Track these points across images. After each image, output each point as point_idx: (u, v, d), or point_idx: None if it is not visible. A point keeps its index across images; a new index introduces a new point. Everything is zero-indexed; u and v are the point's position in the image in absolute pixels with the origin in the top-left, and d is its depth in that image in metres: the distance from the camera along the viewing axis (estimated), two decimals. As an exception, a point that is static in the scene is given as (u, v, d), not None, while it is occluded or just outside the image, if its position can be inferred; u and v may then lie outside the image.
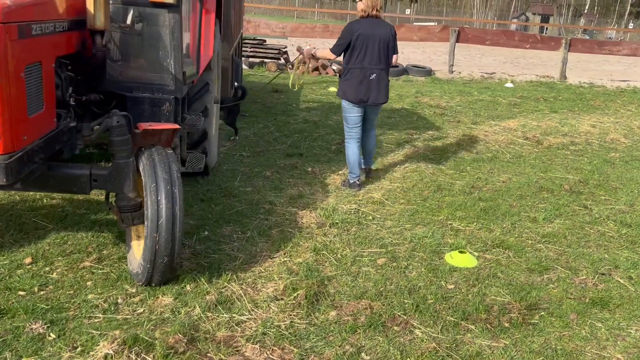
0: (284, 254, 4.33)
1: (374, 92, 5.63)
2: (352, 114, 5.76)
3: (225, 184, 5.79)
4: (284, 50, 14.40)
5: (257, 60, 14.38)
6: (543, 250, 4.72)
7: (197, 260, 4.12)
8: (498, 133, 8.93)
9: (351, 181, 5.94)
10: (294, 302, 3.64)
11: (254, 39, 14.26)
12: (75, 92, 4.06)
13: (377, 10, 5.58)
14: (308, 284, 3.81)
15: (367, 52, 5.52)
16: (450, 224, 5.13)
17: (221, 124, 7.21)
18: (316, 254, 4.35)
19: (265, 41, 14.50)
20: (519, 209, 5.62)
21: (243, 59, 13.87)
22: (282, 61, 14.47)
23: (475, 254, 4.54)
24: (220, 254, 4.28)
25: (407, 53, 20.45)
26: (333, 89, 12.04)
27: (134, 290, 3.65)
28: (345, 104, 5.75)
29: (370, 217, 5.19)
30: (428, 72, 15.27)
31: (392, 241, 4.70)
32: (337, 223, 4.94)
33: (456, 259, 4.41)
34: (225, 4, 6.56)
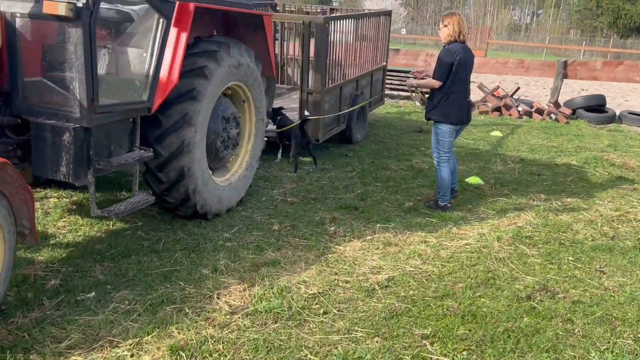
0: None
1: (469, 113, 6.01)
2: (450, 138, 5.95)
3: (207, 233, 4.91)
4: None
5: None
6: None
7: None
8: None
9: (442, 204, 6.01)
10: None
11: (427, 75, 12.95)
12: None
13: (464, 35, 5.74)
14: None
15: (466, 76, 5.78)
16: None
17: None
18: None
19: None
20: None
21: (414, 95, 12.72)
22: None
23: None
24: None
25: (621, 97, 16.79)
26: (496, 134, 10.21)
27: None
28: (445, 128, 5.87)
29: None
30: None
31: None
32: None
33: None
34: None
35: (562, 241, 5.32)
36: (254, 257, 4.52)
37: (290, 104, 8.17)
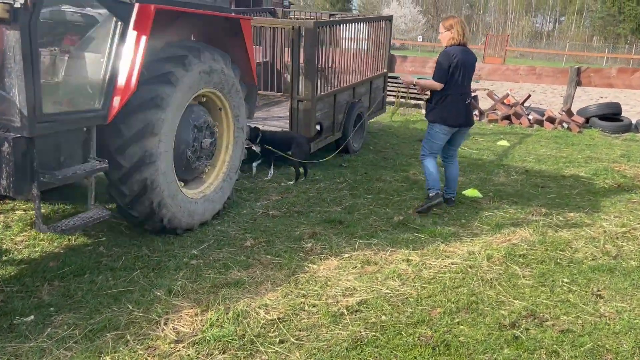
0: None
1: (469, 116, 5.94)
2: (442, 140, 5.91)
3: (173, 249, 4.61)
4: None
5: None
6: None
7: None
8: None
9: (432, 194, 5.91)
10: None
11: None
12: None
13: (466, 38, 5.71)
14: None
15: (464, 78, 5.73)
16: None
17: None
18: None
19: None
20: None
21: (422, 103, 12.34)
22: (469, 107, 12.47)
23: None
24: None
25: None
26: (503, 143, 9.79)
27: None
28: (438, 129, 5.83)
29: None
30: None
31: None
32: None
33: None
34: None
35: (558, 260, 4.91)
36: (217, 276, 4.20)
37: (287, 112, 7.85)
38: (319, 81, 7.16)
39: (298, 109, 7.09)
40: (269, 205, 5.95)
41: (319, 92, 7.26)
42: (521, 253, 5.01)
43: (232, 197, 5.73)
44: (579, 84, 11.99)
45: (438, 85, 5.71)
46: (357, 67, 8.39)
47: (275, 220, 5.53)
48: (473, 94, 12.31)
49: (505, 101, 12.15)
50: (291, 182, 6.70)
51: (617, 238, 5.51)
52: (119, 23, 4.03)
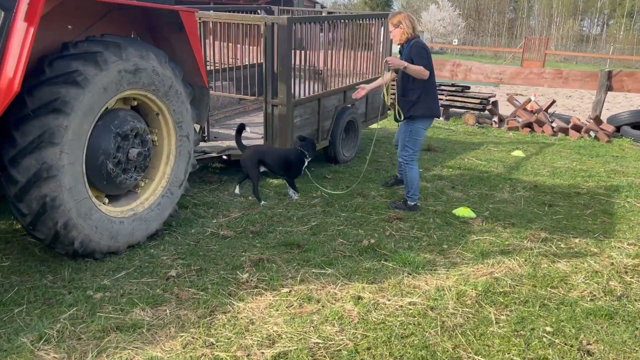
0: None
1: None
2: (424, 134, 5.84)
3: (81, 278, 3.95)
4: (489, 99, 11.48)
5: (463, 111, 11.74)
6: None
7: None
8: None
9: (412, 204, 5.83)
10: None
11: (452, 85, 11.67)
12: None
13: (416, 32, 5.62)
14: None
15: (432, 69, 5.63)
16: None
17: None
18: None
19: (468, 88, 11.77)
20: None
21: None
22: (487, 113, 11.55)
23: None
24: None
25: None
26: (518, 154, 8.86)
27: None
28: (422, 124, 5.71)
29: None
30: None
31: None
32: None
33: None
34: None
35: (546, 301, 4.05)
36: (113, 316, 3.50)
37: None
38: (311, 84, 6.42)
39: (273, 114, 6.36)
40: (224, 224, 5.24)
41: (299, 95, 6.53)
42: (502, 290, 4.17)
43: (177, 214, 5.04)
44: (609, 88, 10.93)
45: (426, 74, 5.50)
46: (348, 69, 7.62)
47: (223, 243, 4.82)
48: (493, 99, 11.41)
49: (527, 107, 11.16)
50: (296, 197, 6.04)
51: (626, 272, 4.60)
52: (1, 13, 3.38)
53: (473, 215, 5.82)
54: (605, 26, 66.51)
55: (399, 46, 5.83)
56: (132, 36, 4.80)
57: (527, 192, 6.79)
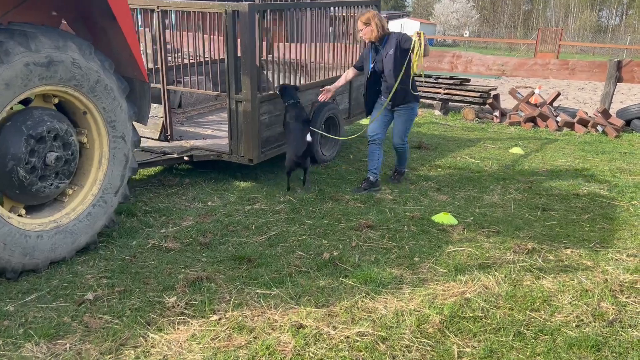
0: None
1: None
2: None
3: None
4: (490, 93, 10.81)
5: (463, 105, 11.08)
6: None
7: None
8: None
9: (405, 169, 6.37)
10: None
11: (450, 78, 11.01)
12: None
13: (385, 29, 5.75)
14: None
15: None
16: None
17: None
18: None
19: (468, 81, 11.11)
20: None
21: (436, 102, 10.85)
22: (488, 107, 10.89)
23: None
24: None
25: None
26: (516, 151, 8.21)
27: None
28: (417, 110, 6.05)
29: None
30: None
31: None
32: None
33: None
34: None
35: (523, 329, 3.45)
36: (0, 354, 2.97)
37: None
38: (294, 77, 5.85)
39: (237, 111, 5.80)
40: (171, 234, 4.70)
41: (264, 90, 5.96)
42: (472, 315, 3.57)
43: (114, 225, 4.50)
44: (619, 79, 10.20)
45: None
46: (327, 62, 7.03)
47: (164, 257, 4.28)
48: (494, 93, 10.75)
49: (531, 100, 10.47)
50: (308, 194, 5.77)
51: (622, 291, 3.98)
52: None
53: (454, 221, 5.22)
54: (624, 16, 64.98)
55: (371, 44, 5.84)
56: (60, 25, 4.26)
57: (520, 194, 6.16)
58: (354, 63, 7.54)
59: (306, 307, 3.59)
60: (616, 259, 4.52)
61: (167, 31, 6.29)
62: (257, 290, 3.82)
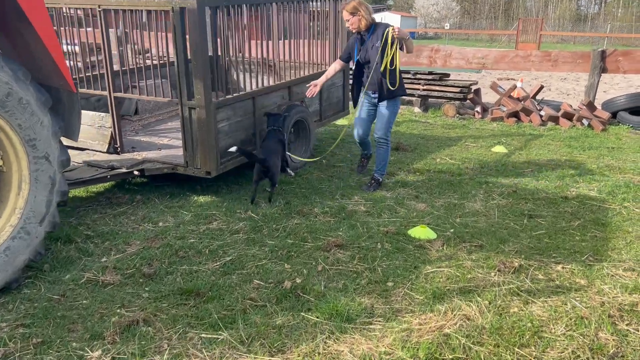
0: None
1: None
2: None
3: None
4: (470, 87, 10.32)
5: (443, 101, 10.57)
6: None
7: None
8: None
9: (382, 178, 5.95)
10: None
11: (429, 73, 10.50)
12: None
13: (372, 17, 5.55)
14: None
15: None
16: None
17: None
18: None
19: (447, 75, 10.61)
20: None
21: (415, 99, 10.33)
22: (469, 102, 10.40)
23: None
24: None
25: None
26: (499, 150, 7.72)
27: None
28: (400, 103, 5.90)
29: None
30: None
31: None
32: None
33: None
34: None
35: (511, 372, 2.93)
36: None
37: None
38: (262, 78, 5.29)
39: (190, 119, 5.23)
40: (112, 264, 4.13)
41: (219, 95, 5.40)
42: (451, 356, 3.04)
43: (41, 258, 3.93)
44: (604, 70, 9.76)
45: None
46: (294, 61, 6.48)
47: (98, 294, 3.71)
48: (475, 87, 10.26)
49: (513, 94, 9.99)
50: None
51: (622, 316, 3.48)
52: None
53: (433, 235, 4.70)
54: (603, 4, 65.00)
55: (357, 34, 5.60)
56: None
57: (504, 199, 5.66)
58: (329, 60, 7.03)
59: (257, 356, 3.05)
60: (612, 275, 4.02)
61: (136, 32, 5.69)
62: (203, 334, 3.27)
